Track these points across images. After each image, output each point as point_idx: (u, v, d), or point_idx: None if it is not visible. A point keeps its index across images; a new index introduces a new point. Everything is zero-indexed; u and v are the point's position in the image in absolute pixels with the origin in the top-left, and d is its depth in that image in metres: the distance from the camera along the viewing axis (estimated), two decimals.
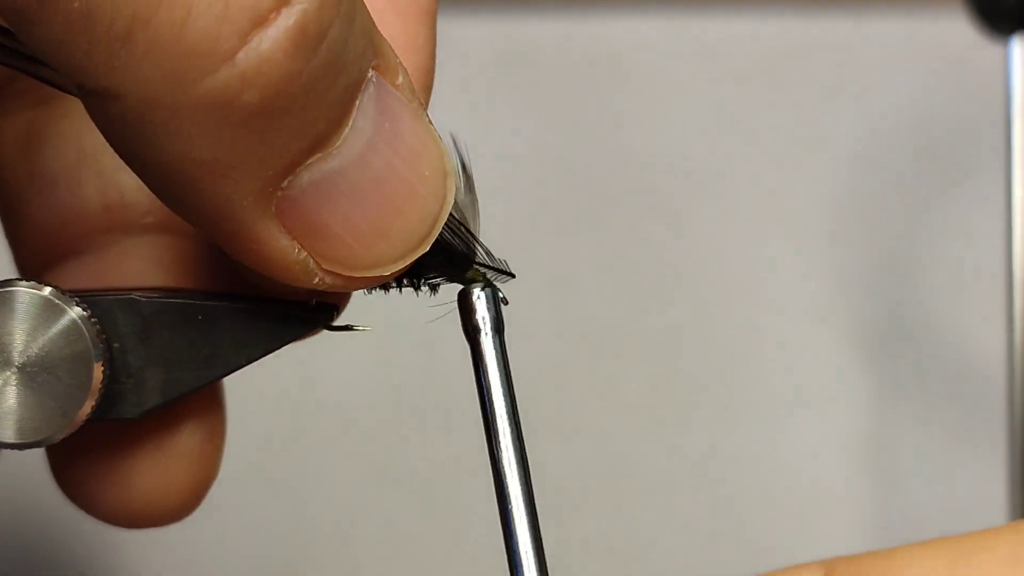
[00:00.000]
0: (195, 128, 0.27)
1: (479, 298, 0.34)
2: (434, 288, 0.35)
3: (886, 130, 0.72)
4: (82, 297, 0.31)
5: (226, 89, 0.27)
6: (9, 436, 0.31)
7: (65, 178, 0.37)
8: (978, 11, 0.54)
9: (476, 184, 0.35)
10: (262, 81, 0.27)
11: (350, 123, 0.29)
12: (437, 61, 0.35)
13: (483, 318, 0.34)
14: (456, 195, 0.32)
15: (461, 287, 0.34)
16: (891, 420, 0.63)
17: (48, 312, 0.31)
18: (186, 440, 0.34)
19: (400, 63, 0.31)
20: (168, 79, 0.27)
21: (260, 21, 0.27)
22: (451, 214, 0.32)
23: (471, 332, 0.34)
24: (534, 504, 0.35)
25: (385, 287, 0.34)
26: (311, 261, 0.30)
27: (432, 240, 0.31)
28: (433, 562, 0.61)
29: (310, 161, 0.29)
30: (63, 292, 0.31)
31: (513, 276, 0.35)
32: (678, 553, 0.61)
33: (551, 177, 0.70)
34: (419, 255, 0.31)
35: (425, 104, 0.33)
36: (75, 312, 0.31)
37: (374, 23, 0.30)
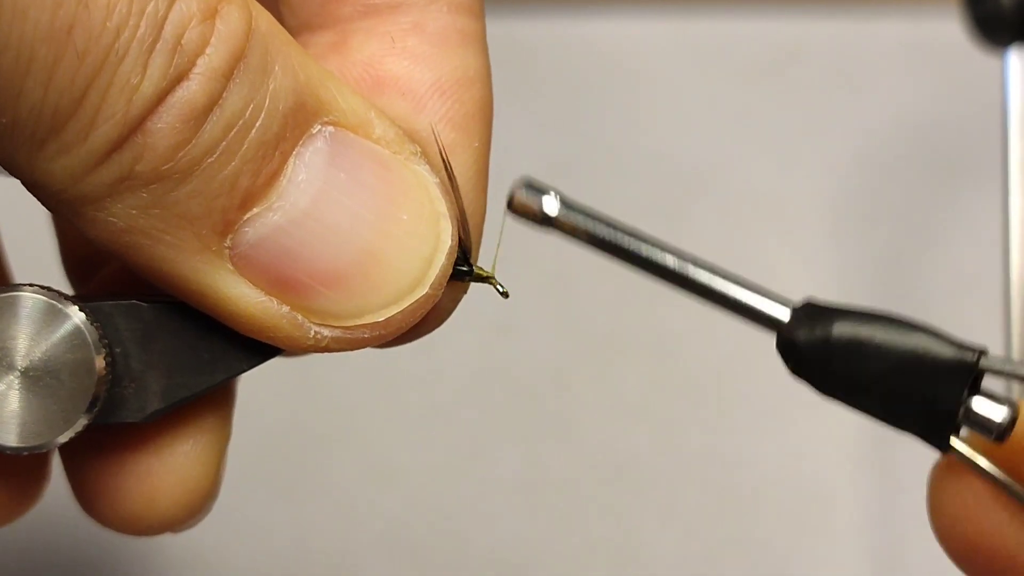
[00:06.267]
0: (108, 203, 0.29)
1: (527, 199, 0.35)
2: None
3: (886, 131, 0.72)
4: (85, 302, 0.31)
5: (120, 168, 0.29)
6: (11, 440, 0.31)
7: None
8: (975, 23, 0.54)
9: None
10: (150, 154, 0.29)
11: (286, 176, 0.30)
12: None
13: (545, 205, 0.35)
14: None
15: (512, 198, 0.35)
16: None
17: (51, 317, 0.31)
18: (184, 447, 0.35)
19: (376, 118, 0.32)
20: (73, 172, 0.29)
21: (152, 112, 0.29)
22: None
23: (548, 223, 0.35)
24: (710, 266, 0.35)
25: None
26: (298, 316, 0.31)
27: (431, 282, 0.32)
28: (433, 562, 0.61)
29: (248, 216, 0.30)
30: (66, 297, 0.31)
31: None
32: (678, 553, 0.61)
33: (551, 177, 0.70)
34: (420, 299, 0.32)
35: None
36: (78, 317, 0.31)
37: (325, 83, 0.31)
